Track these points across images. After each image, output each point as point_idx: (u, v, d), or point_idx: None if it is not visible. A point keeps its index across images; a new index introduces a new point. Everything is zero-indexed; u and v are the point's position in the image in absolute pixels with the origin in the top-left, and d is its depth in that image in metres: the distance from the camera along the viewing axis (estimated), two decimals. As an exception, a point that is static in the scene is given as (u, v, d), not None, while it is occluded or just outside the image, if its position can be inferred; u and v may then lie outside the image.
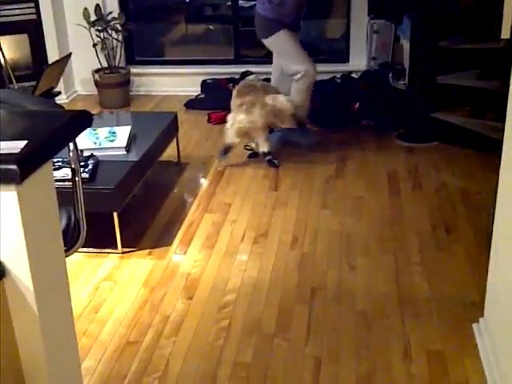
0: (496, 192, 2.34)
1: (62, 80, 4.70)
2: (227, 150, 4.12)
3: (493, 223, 2.38)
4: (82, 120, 1.41)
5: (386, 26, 5.26)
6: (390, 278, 2.87)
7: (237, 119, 4.06)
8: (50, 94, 4.11)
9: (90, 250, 3.13)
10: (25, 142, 1.19)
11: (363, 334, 2.53)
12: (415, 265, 2.97)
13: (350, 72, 5.15)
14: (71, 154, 1.54)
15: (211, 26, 7.04)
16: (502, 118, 2.25)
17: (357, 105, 4.67)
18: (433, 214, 3.45)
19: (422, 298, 2.73)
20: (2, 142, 1.20)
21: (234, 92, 4.18)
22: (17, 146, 1.18)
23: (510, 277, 2.13)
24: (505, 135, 2.23)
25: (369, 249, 3.13)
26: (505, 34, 2.10)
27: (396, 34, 5.29)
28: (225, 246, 3.21)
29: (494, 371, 2.19)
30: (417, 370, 2.31)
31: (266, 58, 6.08)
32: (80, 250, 2.63)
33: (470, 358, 2.35)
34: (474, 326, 2.49)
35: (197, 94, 5.52)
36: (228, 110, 5.05)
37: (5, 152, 1.16)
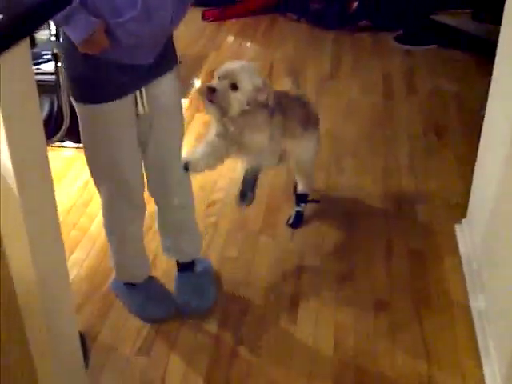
0: (487, 95, 2.32)
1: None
2: None
3: (482, 127, 2.37)
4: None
5: None
6: (377, 180, 2.89)
7: None
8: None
9: (81, 145, 3.11)
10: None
11: (347, 232, 2.57)
12: (403, 167, 2.98)
13: (350, -30, 4.96)
14: (52, 38, 1.48)
15: None
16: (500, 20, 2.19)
17: (355, 4, 4.53)
18: (425, 118, 3.43)
19: (408, 199, 2.77)
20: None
21: None
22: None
23: (492, 180, 2.14)
24: (500, 37, 2.19)
25: (358, 151, 3.13)
26: None
27: None
28: (215, 144, 3.19)
29: (473, 269, 2.25)
30: (397, 268, 2.37)
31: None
32: (71, 145, 2.62)
33: (449, 257, 2.41)
34: (457, 226, 2.54)
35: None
36: (222, 5, 4.89)
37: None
